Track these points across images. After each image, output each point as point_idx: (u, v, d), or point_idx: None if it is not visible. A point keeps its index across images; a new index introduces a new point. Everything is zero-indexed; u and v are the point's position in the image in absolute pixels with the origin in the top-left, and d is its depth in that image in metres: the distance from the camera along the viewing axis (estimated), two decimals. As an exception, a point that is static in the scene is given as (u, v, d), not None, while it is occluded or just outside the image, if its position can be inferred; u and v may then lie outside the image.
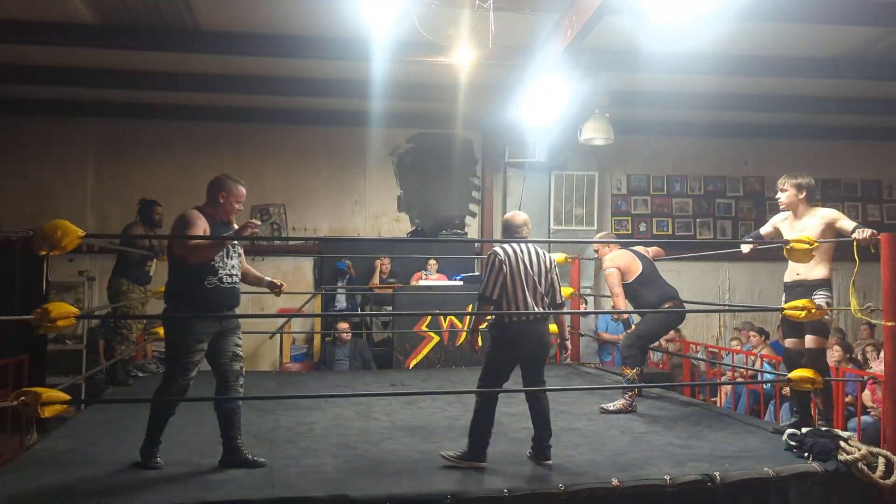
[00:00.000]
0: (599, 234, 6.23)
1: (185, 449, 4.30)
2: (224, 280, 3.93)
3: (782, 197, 4.84)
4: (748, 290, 10.56)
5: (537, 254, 4.23)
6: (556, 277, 4.26)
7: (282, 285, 4.28)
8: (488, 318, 4.34)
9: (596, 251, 6.10)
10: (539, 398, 4.17)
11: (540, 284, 4.16)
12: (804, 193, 4.75)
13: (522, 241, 4.24)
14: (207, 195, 4.06)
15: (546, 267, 4.21)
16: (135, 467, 3.87)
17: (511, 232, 4.31)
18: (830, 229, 4.62)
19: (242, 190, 4.09)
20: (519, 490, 3.57)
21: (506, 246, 4.18)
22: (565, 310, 4.38)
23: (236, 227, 4.14)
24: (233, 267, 3.98)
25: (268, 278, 4.29)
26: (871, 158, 10.96)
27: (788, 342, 4.91)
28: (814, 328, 4.67)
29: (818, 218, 4.68)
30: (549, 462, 4.01)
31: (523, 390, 4.19)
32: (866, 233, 4.32)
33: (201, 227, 3.89)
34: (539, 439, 4.10)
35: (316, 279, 9.67)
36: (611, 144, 7.99)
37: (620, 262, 5.82)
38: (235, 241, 4.04)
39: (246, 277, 4.24)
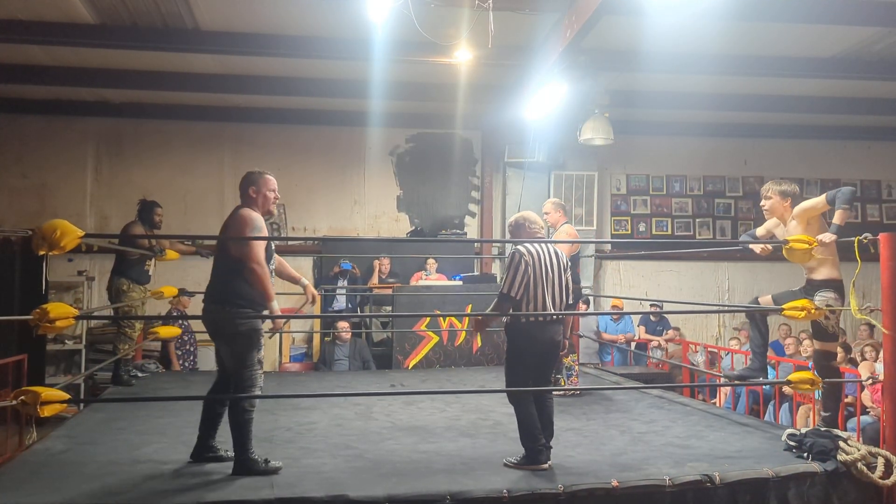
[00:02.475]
0: (551, 200, 6.32)
1: (185, 449, 4.30)
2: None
3: (766, 204, 4.80)
4: (747, 290, 10.55)
5: (556, 254, 4.24)
6: (569, 277, 4.28)
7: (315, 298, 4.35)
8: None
9: (546, 213, 6.10)
10: (545, 399, 4.18)
11: (559, 285, 4.18)
12: (788, 201, 4.70)
13: (540, 241, 4.25)
14: (242, 194, 4.03)
15: (563, 267, 4.23)
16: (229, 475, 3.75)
17: (525, 231, 4.30)
18: (813, 221, 4.55)
19: (270, 178, 4.06)
20: (518, 490, 3.57)
21: (528, 245, 4.16)
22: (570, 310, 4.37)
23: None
24: (272, 271, 4.06)
25: (305, 280, 4.34)
26: (871, 158, 10.97)
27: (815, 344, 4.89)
28: (814, 332, 4.66)
29: (794, 219, 4.64)
30: (549, 462, 4.00)
31: (530, 390, 4.18)
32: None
33: (264, 229, 3.94)
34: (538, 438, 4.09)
35: (315, 279, 9.67)
36: (610, 144, 7.99)
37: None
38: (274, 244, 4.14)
39: (282, 273, 4.29)
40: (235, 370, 3.85)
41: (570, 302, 4.29)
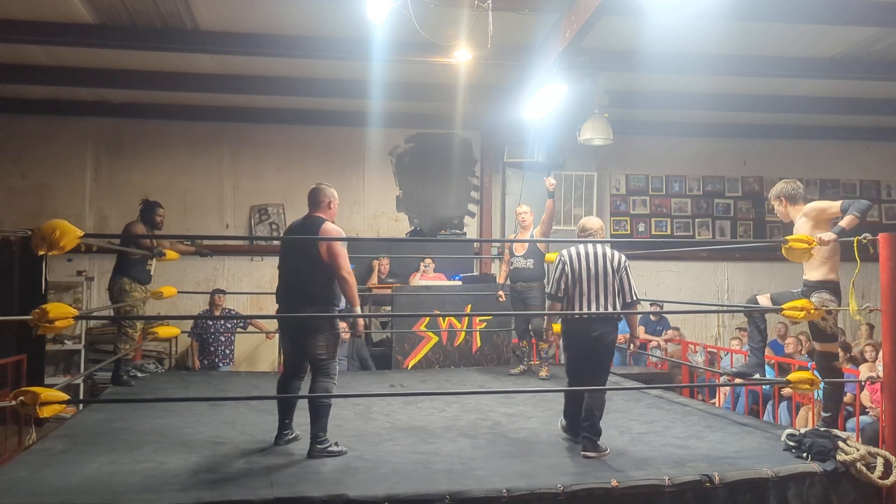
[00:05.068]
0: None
1: (185, 449, 4.31)
2: None
3: (777, 206, 4.87)
4: (747, 290, 10.55)
5: (604, 255, 4.42)
6: (626, 277, 4.41)
7: None
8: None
9: (527, 213, 7.17)
10: (593, 394, 4.34)
11: (606, 285, 4.34)
12: (783, 201, 4.77)
13: (589, 243, 4.48)
14: (318, 204, 4.51)
15: (613, 267, 4.39)
16: (311, 458, 4.11)
17: (583, 236, 4.61)
18: (822, 223, 4.56)
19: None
20: (518, 490, 3.57)
21: (572, 248, 4.44)
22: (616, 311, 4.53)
23: None
24: None
25: None
26: (870, 158, 10.97)
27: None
28: (813, 334, 4.66)
29: (803, 216, 4.66)
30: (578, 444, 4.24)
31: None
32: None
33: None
34: (578, 424, 4.36)
35: (315, 279, 9.64)
36: (609, 144, 7.99)
37: None
38: None
39: None
40: (324, 362, 4.32)
41: (629, 301, 4.40)
